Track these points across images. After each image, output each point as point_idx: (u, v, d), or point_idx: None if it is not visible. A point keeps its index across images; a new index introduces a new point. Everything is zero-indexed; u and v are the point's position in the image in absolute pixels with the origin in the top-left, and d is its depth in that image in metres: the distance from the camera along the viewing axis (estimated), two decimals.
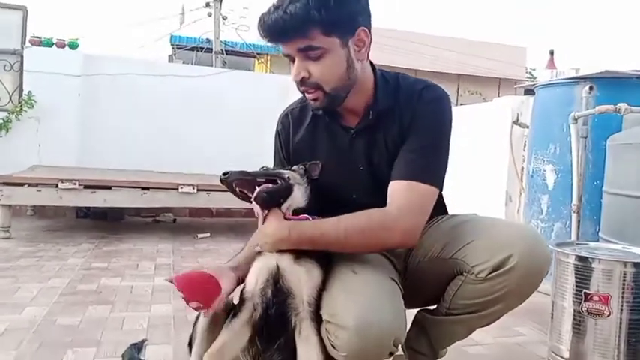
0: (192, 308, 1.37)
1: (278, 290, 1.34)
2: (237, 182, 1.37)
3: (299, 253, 1.35)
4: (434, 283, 1.54)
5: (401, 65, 16.74)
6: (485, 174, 4.31)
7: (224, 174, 1.34)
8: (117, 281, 2.88)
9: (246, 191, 1.38)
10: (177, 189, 4.09)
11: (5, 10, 5.22)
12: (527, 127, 3.85)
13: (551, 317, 2.04)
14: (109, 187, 4.04)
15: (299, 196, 1.42)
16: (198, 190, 4.13)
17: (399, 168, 1.41)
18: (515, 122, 4.01)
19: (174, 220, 5.21)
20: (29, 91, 5.05)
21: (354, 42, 1.37)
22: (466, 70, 17.70)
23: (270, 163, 1.68)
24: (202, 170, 5.16)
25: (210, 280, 1.36)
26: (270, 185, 1.37)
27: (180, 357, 1.75)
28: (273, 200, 1.37)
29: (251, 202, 1.37)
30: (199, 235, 4.36)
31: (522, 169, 4.01)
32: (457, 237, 1.47)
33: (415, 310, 1.65)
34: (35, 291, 2.61)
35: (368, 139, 1.48)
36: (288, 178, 1.41)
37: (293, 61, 1.39)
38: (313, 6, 1.27)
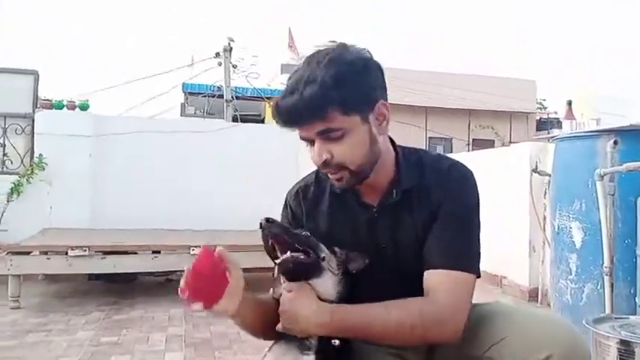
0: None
1: None
2: (274, 237, 1.21)
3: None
4: None
5: (412, 104, 16.81)
6: (505, 223, 4.16)
7: (268, 220, 1.20)
8: None
9: (278, 251, 1.23)
10: (189, 251, 3.99)
11: (17, 75, 5.27)
12: (548, 174, 3.73)
13: None
14: (120, 253, 3.95)
15: (328, 286, 1.26)
16: None
17: (436, 255, 1.29)
18: (535, 170, 3.89)
19: None
20: (40, 154, 5.05)
21: (375, 116, 1.29)
22: (477, 105, 17.69)
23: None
24: (215, 226, 5.07)
25: (220, 280, 1.21)
26: (302, 256, 1.21)
27: None
28: (296, 274, 1.23)
29: (274, 263, 1.24)
30: None
31: (544, 218, 3.87)
32: (487, 331, 1.32)
33: None
34: None
35: (392, 217, 1.36)
36: (323, 258, 1.26)
37: (312, 143, 1.29)
38: (330, 86, 1.19)
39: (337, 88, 1.20)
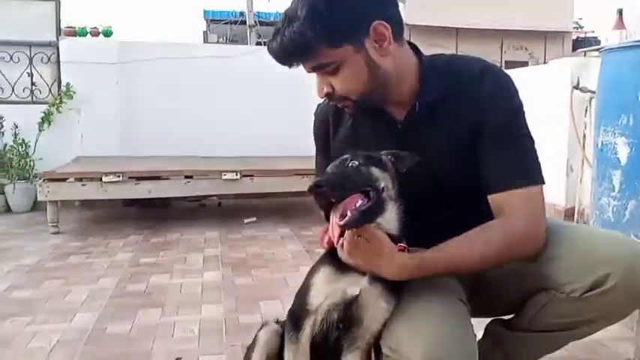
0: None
1: (346, 317, 1.19)
2: (327, 200, 1.12)
3: (379, 279, 1.17)
4: (511, 296, 1.36)
5: (442, 24, 16.16)
6: (543, 143, 4.02)
7: (317, 185, 1.09)
8: (166, 279, 2.82)
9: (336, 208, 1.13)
10: (220, 176, 4.00)
11: (38, 1, 5.16)
12: (590, 91, 3.56)
13: (639, 312, 1.84)
14: (153, 178, 3.99)
15: (393, 219, 1.20)
16: (241, 175, 4.03)
17: (499, 175, 1.22)
18: (576, 87, 3.70)
19: (219, 204, 5.16)
20: (67, 83, 5.02)
21: (372, 40, 1.19)
22: (510, 25, 16.88)
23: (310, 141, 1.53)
24: (245, 152, 5.06)
25: None
26: (362, 202, 1.11)
27: None
28: (366, 223, 1.14)
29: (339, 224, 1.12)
30: (246, 221, 4.29)
31: (584, 136, 3.73)
32: (544, 248, 1.27)
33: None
34: (85, 294, 2.58)
35: (421, 132, 1.28)
36: (383, 189, 1.17)
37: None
38: (307, 26, 1.13)
39: (317, 24, 1.13)
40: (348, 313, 1.19)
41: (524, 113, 1.27)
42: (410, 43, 1.32)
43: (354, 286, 1.18)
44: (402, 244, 1.18)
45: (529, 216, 1.19)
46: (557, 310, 1.25)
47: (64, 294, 2.59)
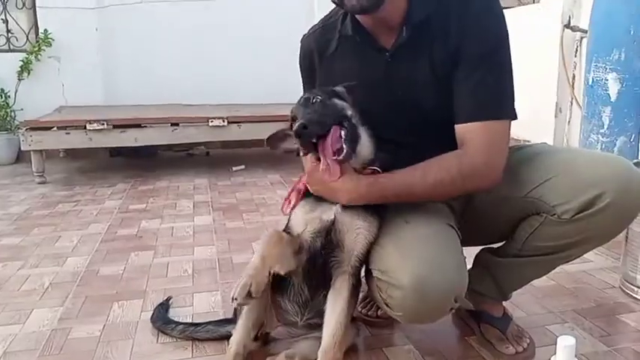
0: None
1: (328, 242, 1.25)
2: (309, 143, 1.18)
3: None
4: (501, 223, 1.38)
5: None
6: (531, 82, 3.99)
7: (303, 126, 1.12)
8: (156, 223, 2.81)
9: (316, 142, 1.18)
10: (207, 123, 3.94)
11: None
12: (582, 30, 3.51)
13: (625, 242, 1.88)
14: (139, 125, 3.92)
15: (366, 144, 1.24)
16: (229, 122, 3.97)
17: (466, 105, 1.21)
18: (567, 25, 3.65)
19: (208, 153, 5.10)
20: (45, 29, 4.84)
21: None
22: None
23: (299, 88, 1.50)
24: (230, 100, 4.98)
25: None
26: (344, 132, 1.16)
27: (231, 306, 1.66)
28: (352, 155, 1.18)
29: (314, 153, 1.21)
30: (234, 168, 4.26)
31: (573, 77, 3.70)
32: (530, 173, 1.29)
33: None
34: (75, 239, 2.56)
35: (408, 60, 1.26)
36: (351, 116, 1.22)
37: None
38: None
39: None
40: (328, 239, 1.24)
41: (507, 42, 1.24)
42: None
43: (329, 212, 1.24)
44: (372, 167, 1.23)
45: (488, 150, 1.19)
46: (548, 232, 1.27)
47: (54, 240, 2.57)
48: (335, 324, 1.24)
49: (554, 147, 1.41)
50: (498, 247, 1.47)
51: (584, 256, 2.13)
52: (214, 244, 2.44)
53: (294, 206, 1.30)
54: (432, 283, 1.12)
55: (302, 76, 1.50)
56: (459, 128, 1.22)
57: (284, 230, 1.30)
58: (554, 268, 1.42)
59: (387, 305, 1.22)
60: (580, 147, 2.97)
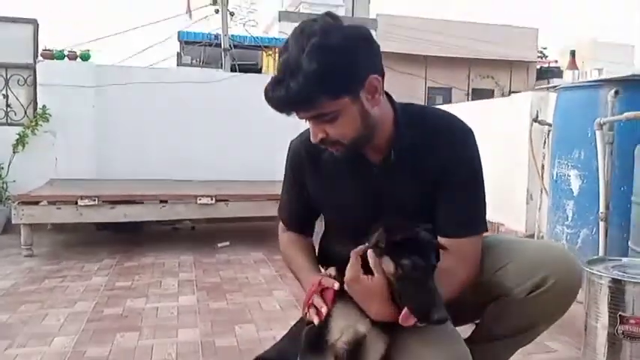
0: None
1: (351, 353, 1.29)
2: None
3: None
4: (471, 305, 1.52)
5: (411, 52, 16.60)
6: (504, 172, 4.24)
7: (441, 320, 1.20)
8: (142, 303, 2.88)
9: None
10: (195, 200, 4.08)
11: (16, 24, 5.22)
12: (548, 124, 3.78)
13: (585, 337, 2.00)
14: (128, 202, 4.05)
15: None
16: (216, 200, 4.12)
17: (451, 225, 1.40)
18: (535, 119, 3.93)
19: (193, 228, 5.21)
20: (44, 105, 5.06)
21: (366, 92, 1.31)
22: (477, 54, 17.48)
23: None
24: (219, 177, 5.15)
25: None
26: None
27: None
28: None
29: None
30: (219, 245, 4.36)
31: (543, 166, 3.94)
32: (492, 259, 1.47)
33: None
34: (62, 318, 2.62)
35: (393, 175, 1.44)
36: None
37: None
38: (315, 80, 1.20)
39: (322, 80, 1.21)
40: (352, 350, 1.29)
41: (481, 170, 1.45)
42: (385, 93, 1.45)
43: (362, 322, 1.29)
44: None
45: (473, 263, 1.42)
46: (508, 313, 1.44)
47: (41, 317, 2.63)
48: None
49: (506, 237, 1.64)
50: (470, 335, 1.60)
51: (549, 345, 2.30)
52: (198, 327, 2.52)
53: (328, 313, 1.33)
54: None
55: (287, 175, 1.64)
56: (443, 240, 1.39)
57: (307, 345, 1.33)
58: (520, 347, 1.58)
59: None
60: (547, 237, 3.16)
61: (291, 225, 1.69)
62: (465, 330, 1.56)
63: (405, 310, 1.22)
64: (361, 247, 1.29)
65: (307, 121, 1.35)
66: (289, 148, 1.63)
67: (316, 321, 1.31)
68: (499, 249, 1.49)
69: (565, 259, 1.43)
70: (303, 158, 1.56)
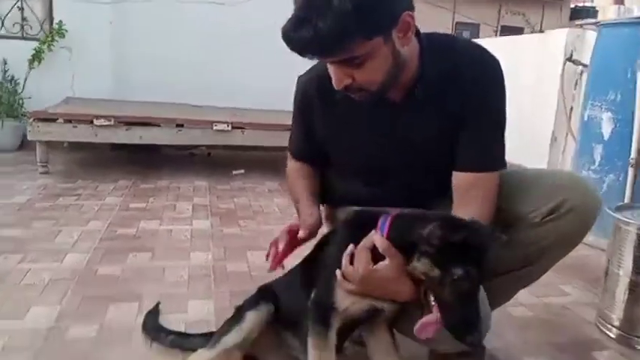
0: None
1: (369, 312, 1.25)
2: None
3: None
4: None
5: None
6: (530, 112, 4.09)
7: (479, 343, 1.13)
8: (155, 224, 2.88)
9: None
10: (211, 127, 4.02)
11: None
12: (582, 64, 3.60)
13: (604, 282, 1.96)
14: (145, 124, 3.99)
15: None
16: (232, 127, 4.05)
17: (473, 158, 1.33)
18: (569, 59, 3.74)
19: (209, 154, 5.18)
20: (60, 20, 4.92)
21: (398, 30, 1.18)
22: None
23: None
24: (237, 103, 5.05)
25: None
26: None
27: (223, 314, 1.73)
28: None
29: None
30: (234, 172, 4.34)
31: (571, 108, 3.79)
32: (505, 188, 1.40)
33: None
34: (75, 235, 2.63)
35: (415, 113, 1.35)
36: None
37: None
38: (350, 17, 1.06)
39: (357, 17, 1.07)
40: (370, 311, 1.25)
41: (506, 106, 1.36)
42: None
43: (379, 302, 1.22)
44: None
45: (491, 200, 1.33)
46: (520, 239, 1.36)
47: (55, 234, 2.64)
48: None
49: (523, 168, 1.58)
50: None
51: (563, 288, 2.27)
52: (210, 251, 2.52)
53: (280, 260, 1.40)
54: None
55: (295, 114, 1.55)
56: (459, 176, 1.35)
57: (315, 303, 1.27)
58: (525, 286, 1.54)
59: None
60: None
61: (297, 155, 1.63)
62: None
63: (426, 318, 1.09)
64: (368, 238, 1.16)
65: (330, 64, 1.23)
66: (297, 85, 1.52)
67: (270, 264, 1.43)
68: (513, 177, 1.43)
69: (584, 185, 1.39)
70: (313, 97, 1.45)
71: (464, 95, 1.30)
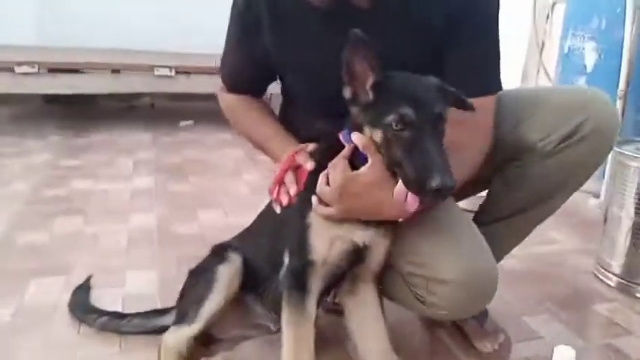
0: None
1: (352, 259, 1.05)
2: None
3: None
4: (484, 170, 1.20)
5: None
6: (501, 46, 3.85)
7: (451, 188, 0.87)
8: (89, 184, 2.52)
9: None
10: (152, 71, 3.59)
11: None
12: None
13: (604, 226, 1.77)
14: (75, 70, 3.53)
15: None
16: (176, 72, 3.64)
17: (463, 78, 1.07)
18: None
19: (153, 105, 4.73)
20: None
21: None
22: None
23: None
24: (179, 49, 4.58)
25: None
26: None
27: (169, 286, 1.45)
28: None
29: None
30: (182, 123, 3.95)
31: (543, 43, 3.57)
32: (511, 113, 1.19)
33: None
34: None
35: (386, 23, 1.08)
36: None
37: None
38: None
39: None
40: (352, 257, 1.04)
41: (498, 10, 1.15)
42: None
43: (358, 232, 1.01)
44: None
45: (489, 126, 1.14)
46: (529, 176, 1.19)
47: None
48: (383, 341, 1.13)
49: (528, 88, 1.32)
50: (475, 217, 1.32)
51: (554, 236, 2.07)
52: (153, 211, 2.19)
53: (290, 199, 1.08)
54: (481, 273, 1.04)
55: (233, 27, 1.23)
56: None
57: (290, 270, 1.05)
58: (530, 230, 1.33)
59: (423, 303, 1.08)
60: None
61: (236, 86, 1.31)
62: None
63: (397, 189, 0.92)
64: (344, 151, 1.00)
65: None
66: None
67: (285, 202, 1.08)
68: (520, 99, 1.23)
69: (602, 100, 1.17)
70: (260, 5, 1.14)
71: (448, 3, 1.07)
